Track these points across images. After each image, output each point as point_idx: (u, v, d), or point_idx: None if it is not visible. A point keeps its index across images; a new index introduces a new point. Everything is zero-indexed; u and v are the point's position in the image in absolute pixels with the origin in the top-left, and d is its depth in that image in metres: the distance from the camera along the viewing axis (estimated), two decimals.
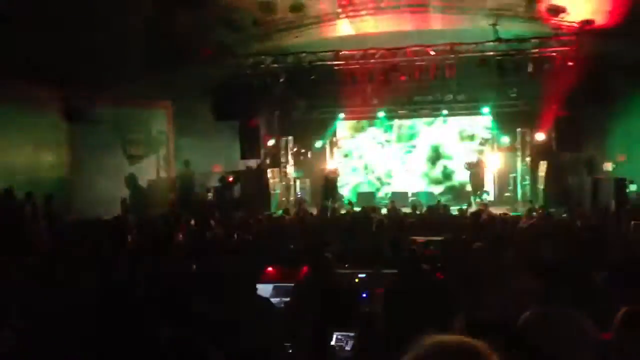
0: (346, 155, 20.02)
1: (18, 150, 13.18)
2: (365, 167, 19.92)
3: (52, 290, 4.94)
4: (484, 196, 16.91)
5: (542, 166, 16.50)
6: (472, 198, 17.13)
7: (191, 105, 16.42)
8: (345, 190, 19.41)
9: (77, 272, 5.57)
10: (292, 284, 5.76)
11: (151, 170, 16.63)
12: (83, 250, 7.03)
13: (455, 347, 1.40)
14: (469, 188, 17.79)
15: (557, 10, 12.27)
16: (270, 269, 6.72)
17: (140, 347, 3.53)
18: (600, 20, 12.22)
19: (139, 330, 3.79)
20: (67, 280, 5.29)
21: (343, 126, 19.99)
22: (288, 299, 5.56)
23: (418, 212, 12.94)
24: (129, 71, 13.64)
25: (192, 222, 10.62)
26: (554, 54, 14.03)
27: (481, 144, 18.97)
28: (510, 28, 13.66)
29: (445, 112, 18.58)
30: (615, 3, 11.37)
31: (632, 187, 14.05)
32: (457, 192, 18.47)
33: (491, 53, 14.30)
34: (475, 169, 17.33)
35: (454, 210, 13.53)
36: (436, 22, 13.91)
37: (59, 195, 12.89)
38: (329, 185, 17.89)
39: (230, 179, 16.45)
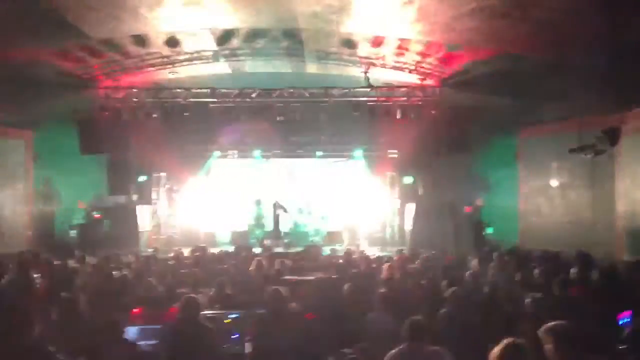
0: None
1: None
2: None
3: None
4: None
5: (409, 209, 17.29)
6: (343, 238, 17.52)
7: (55, 136, 15.44)
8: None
9: None
10: (159, 326, 5.55)
11: (7, 204, 15.31)
12: None
13: None
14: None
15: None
16: (136, 310, 6.43)
17: None
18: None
19: None
20: None
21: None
22: (155, 342, 5.33)
23: (291, 252, 12.97)
24: None
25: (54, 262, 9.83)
26: (420, 102, 14.93)
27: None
28: (380, 76, 14.40)
29: (319, 153, 19.02)
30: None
31: (489, 230, 15.20)
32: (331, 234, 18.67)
33: (363, 98, 14.95)
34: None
35: (327, 250, 13.72)
36: (311, 66, 14.36)
37: None
38: None
39: (97, 215, 15.56)
